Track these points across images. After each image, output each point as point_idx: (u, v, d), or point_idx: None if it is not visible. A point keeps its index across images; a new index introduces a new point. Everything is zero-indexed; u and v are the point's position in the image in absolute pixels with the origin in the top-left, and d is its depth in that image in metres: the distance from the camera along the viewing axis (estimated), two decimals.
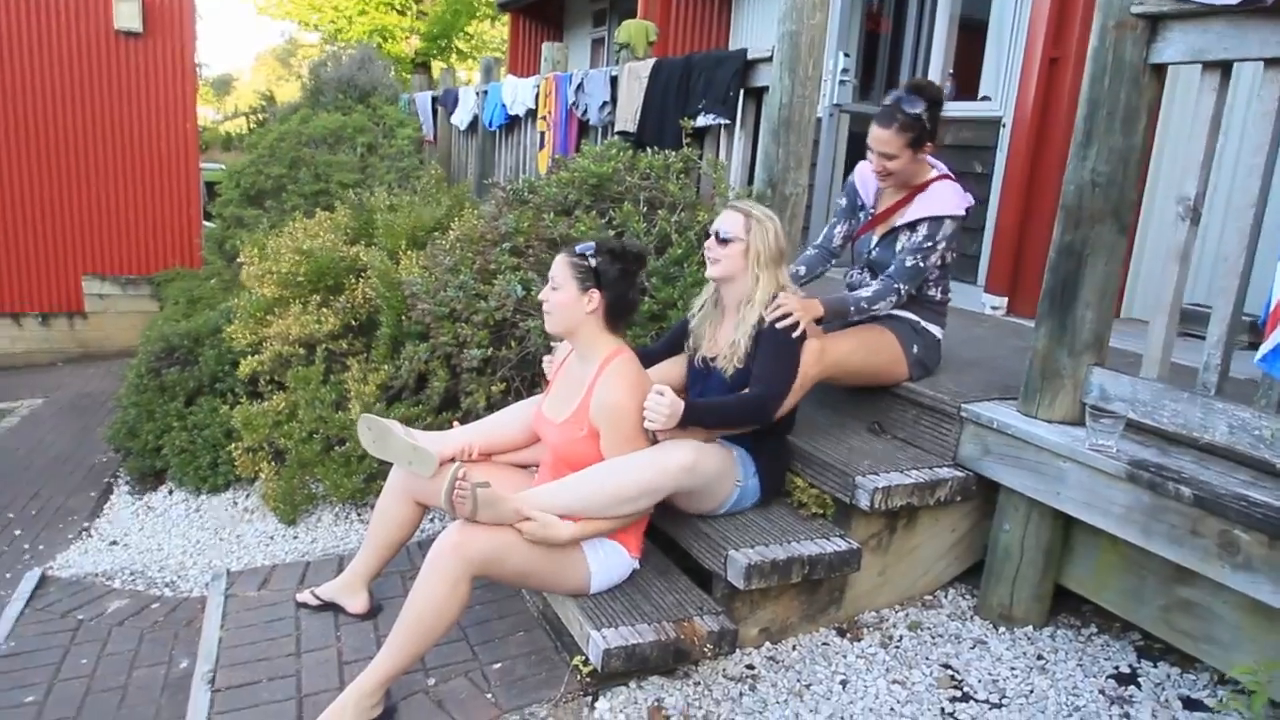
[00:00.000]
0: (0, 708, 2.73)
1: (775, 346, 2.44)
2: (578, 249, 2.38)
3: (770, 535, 2.49)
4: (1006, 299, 4.29)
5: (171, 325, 5.46)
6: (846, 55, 5.58)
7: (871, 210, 2.96)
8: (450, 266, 3.64)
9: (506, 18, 18.84)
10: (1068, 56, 4.02)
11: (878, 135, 2.69)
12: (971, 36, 5.63)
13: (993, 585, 2.62)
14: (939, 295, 2.93)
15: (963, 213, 2.73)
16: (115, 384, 8.25)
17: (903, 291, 2.74)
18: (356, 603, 2.77)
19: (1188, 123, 3.91)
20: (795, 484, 2.69)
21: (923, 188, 2.77)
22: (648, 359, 2.68)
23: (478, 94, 7.23)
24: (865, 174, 2.93)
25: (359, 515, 3.71)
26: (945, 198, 2.73)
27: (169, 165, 9.24)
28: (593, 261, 2.34)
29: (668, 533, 2.70)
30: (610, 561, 2.39)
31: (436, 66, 19.24)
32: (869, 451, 2.71)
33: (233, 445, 4.04)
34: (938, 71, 5.72)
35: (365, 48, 9.16)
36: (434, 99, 8.69)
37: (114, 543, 4.14)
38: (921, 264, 2.73)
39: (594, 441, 2.34)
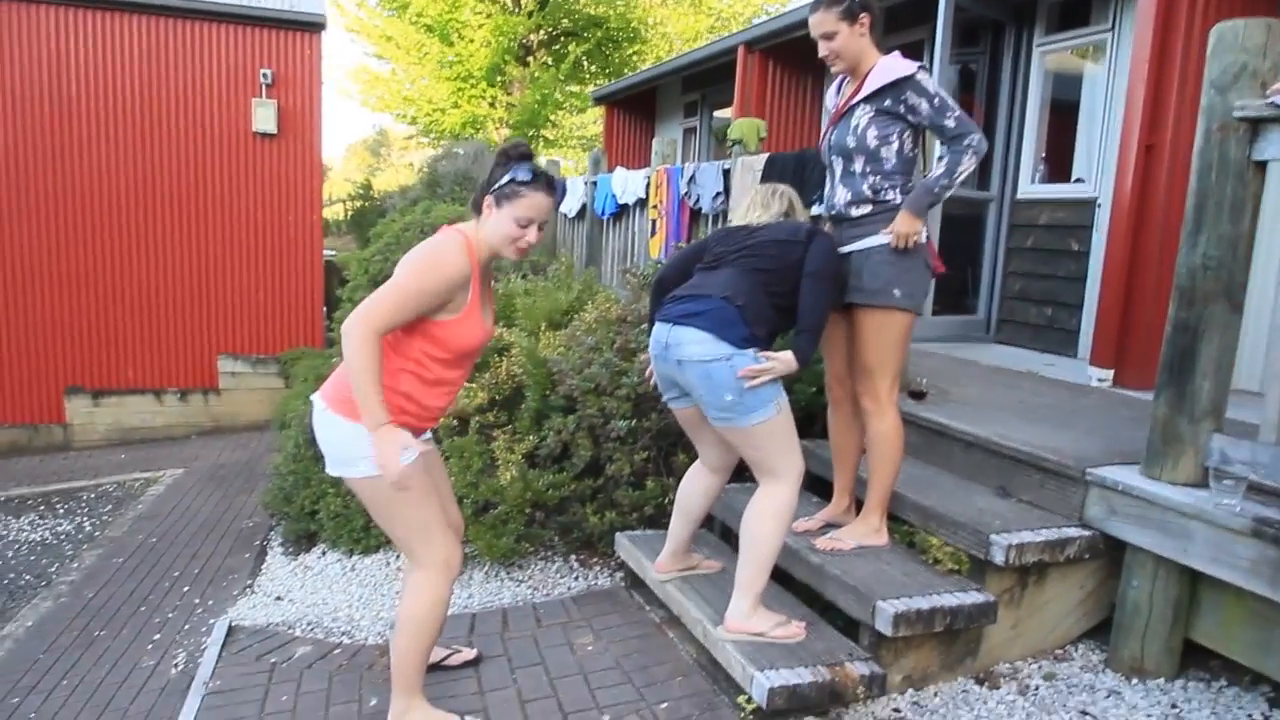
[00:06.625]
0: None
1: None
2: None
3: (911, 588, 2.73)
4: (1113, 371, 4.47)
5: None
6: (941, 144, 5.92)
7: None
8: (593, 345, 4.02)
9: (592, 108, 19.87)
10: (1163, 144, 4.28)
11: (812, 22, 2.82)
12: (1061, 122, 5.92)
13: (1123, 639, 2.80)
14: (898, 199, 2.84)
15: (916, 70, 2.72)
16: (246, 455, 8.88)
17: (975, 141, 2.69)
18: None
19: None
20: (930, 542, 2.93)
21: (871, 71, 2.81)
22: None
23: (586, 184, 7.76)
24: (829, 95, 3.04)
25: (508, 574, 4.03)
26: (895, 65, 2.75)
27: (297, 252, 10.04)
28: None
29: (811, 585, 2.95)
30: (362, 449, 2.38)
31: None
32: (998, 512, 2.94)
33: None
34: (1030, 155, 6.02)
35: (478, 144, 9.88)
36: None
37: (279, 598, 4.52)
38: (955, 114, 2.70)
39: None
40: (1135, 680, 2.74)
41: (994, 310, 6.22)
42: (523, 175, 2.46)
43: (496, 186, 2.47)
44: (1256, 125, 2.48)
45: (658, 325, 2.79)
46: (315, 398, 2.56)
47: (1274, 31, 2.45)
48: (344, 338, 2.27)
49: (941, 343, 5.73)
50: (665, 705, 2.74)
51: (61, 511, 7.32)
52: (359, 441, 2.39)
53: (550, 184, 2.51)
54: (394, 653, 2.64)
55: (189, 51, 9.58)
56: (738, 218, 3.01)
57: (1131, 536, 2.73)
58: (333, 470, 2.52)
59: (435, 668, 3.06)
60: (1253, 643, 2.54)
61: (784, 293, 2.69)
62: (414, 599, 2.58)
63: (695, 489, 3.04)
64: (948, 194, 2.77)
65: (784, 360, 2.61)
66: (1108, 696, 2.66)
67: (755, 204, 2.99)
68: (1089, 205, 5.49)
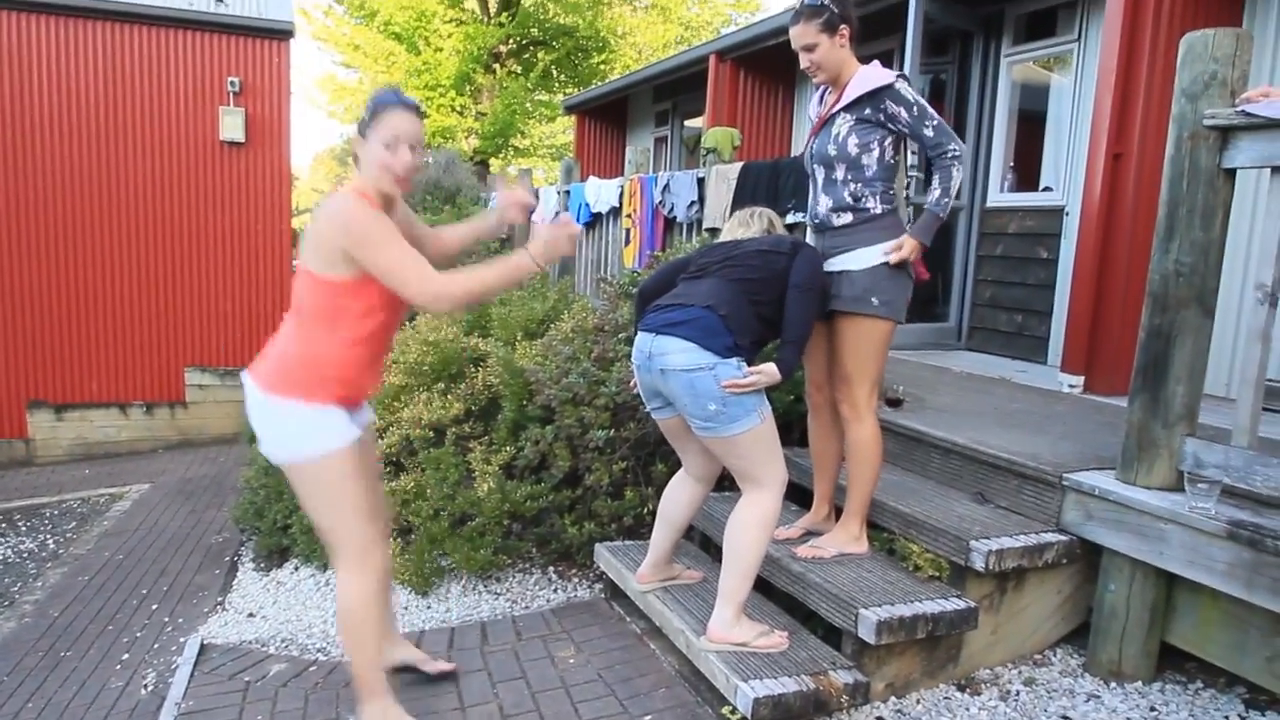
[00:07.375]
0: None
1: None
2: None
3: (893, 596, 2.73)
4: (1083, 377, 4.53)
5: None
6: (913, 153, 5.98)
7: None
8: (570, 355, 4.00)
9: (560, 118, 19.86)
10: (1130, 153, 4.34)
11: (793, 34, 2.85)
12: (1029, 131, 6.01)
13: (1101, 643, 2.82)
14: (879, 208, 2.88)
15: (894, 79, 2.78)
16: (215, 470, 8.73)
17: (955, 150, 2.76)
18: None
19: (1243, 218, 4.22)
20: (910, 549, 2.94)
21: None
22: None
23: (559, 193, 7.75)
24: (812, 105, 3.10)
25: (486, 587, 3.99)
26: (874, 75, 2.80)
27: (265, 263, 9.93)
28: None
29: (793, 594, 2.95)
30: (298, 428, 2.37)
31: (496, 164, 20.14)
32: (977, 519, 2.96)
33: None
34: (999, 164, 6.09)
35: (449, 153, 9.84)
36: None
37: (251, 615, 4.44)
38: (934, 123, 2.76)
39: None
40: (1114, 683, 2.76)
41: (965, 317, 6.28)
42: (375, 100, 2.41)
43: (358, 126, 2.43)
44: (1226, 133, 2.52)
45: (640, 334, 2.78)
46: (247, 381, 2.44)
47: (1243, 41, 2.49)
48: (446, 299, 2.28)
49: (913, 350, 5.77)
50: (649, 717, 2.72)
51: (24, 529, 7.15)
52: (298, 421, 2.33)
53: (405, 102, 2.42)
54: (347, 658, 2.58)
55: (155, 59, 9.45)
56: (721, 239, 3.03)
57: (1108, 540, 2.76)
58: (268, 452, 2.45)
59: (413, 671, 3.04)
60: (1229, 644, 2.57)
61: (768, 302, 2.69)
62: (343, 599, 2.53)
63: (679, 498, 3.03)
64: (949, 210, 2.81)
65: (768, 373, 2.61)
66: (1087, 700, 2.68)
67: (734, 226, 3.01)
68: (1057, 213, 5.56)
